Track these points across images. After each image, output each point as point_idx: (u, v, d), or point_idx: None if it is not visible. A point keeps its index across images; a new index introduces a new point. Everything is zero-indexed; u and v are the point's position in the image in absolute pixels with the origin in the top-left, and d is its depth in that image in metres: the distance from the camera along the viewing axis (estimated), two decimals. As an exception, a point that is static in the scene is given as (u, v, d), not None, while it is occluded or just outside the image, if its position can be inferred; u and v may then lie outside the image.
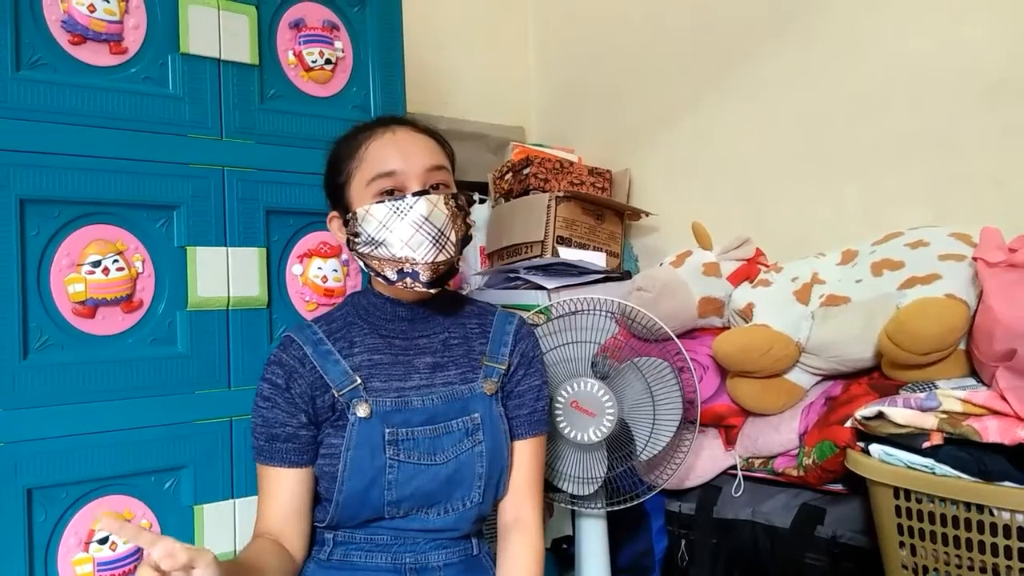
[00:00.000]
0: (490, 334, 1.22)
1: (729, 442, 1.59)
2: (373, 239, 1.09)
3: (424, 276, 1.09)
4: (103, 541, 1.20)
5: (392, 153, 1.11)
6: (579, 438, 1.43)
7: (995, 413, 1.13)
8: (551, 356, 1.47)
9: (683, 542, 1.62)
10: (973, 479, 1.11)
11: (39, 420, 1.16)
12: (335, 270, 1.44)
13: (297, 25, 1.43)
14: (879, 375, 1.39)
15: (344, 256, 1.46)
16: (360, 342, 1.15)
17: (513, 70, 2.58)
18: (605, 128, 2.34)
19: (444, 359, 1.18)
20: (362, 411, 1.10)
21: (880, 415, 1.20)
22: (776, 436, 1.50)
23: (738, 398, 1.52)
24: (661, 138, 2.17)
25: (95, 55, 1.24)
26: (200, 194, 1.30)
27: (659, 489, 1.51)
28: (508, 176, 2.13)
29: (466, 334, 1.21)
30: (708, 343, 1.58)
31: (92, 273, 1.21)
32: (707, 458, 1.60)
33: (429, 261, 1.08)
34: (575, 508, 1.56)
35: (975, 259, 1.25)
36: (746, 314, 1.54)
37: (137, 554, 1.23)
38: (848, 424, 1.30)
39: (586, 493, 1.48)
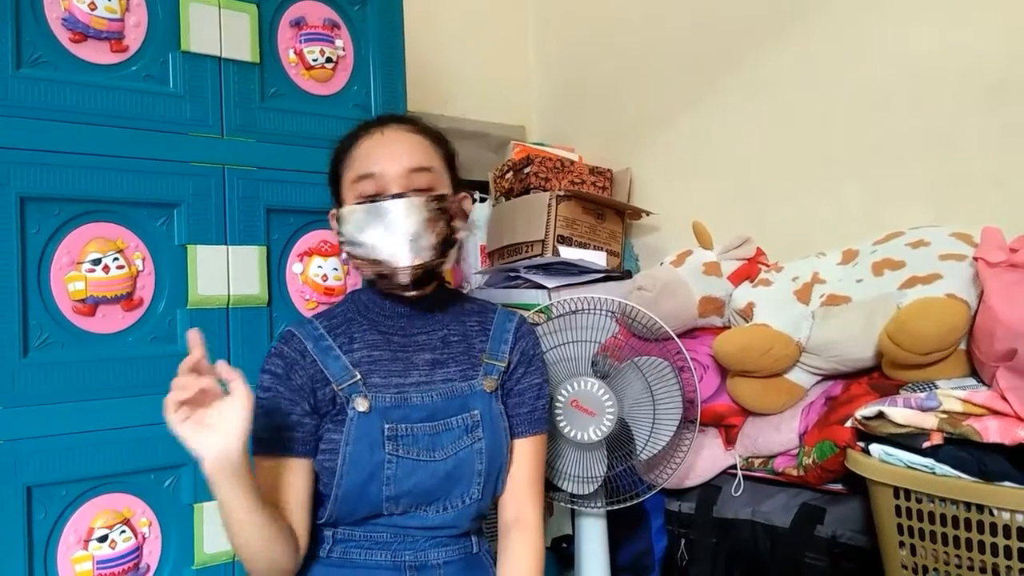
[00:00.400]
0: (490, 332, 1.22)
1: (729, 441, 1.59)
2: (353, 240, 1.10)
3: (401, 279, 1.08)
4: (102, 539, 1.20)
5: (375, 155, 1.11)
6: (579, 437, 1.43)
7: (995, 413, 1.13)
8: (551, 355, 1.47)
9: (683, 541, 1.62)
10: (973, 479, 1.11)
11: (39, 418, 1.16)
12: (335, 269, 1.44)
13: (298, 23, 1.43)
14: (879, 375, 1.39)
15: (344, 255, 1.46)
16: (360, 338, 1.15)
17: (514, 69, 2.58)
18: (606, 127, 2.34)
19: (444, 356, 1.18)
20: (361, 406, 1.10)
21: (880, 415, 1.20)
22: (776, 436, 1.50)
23: (738, 398, 1.52)
24: (662, 137, 2.17)
25: (96, 53, 1.23)
26: (200, 192, 1.30)
27: (659, 488, 1.51)
28: (509, 175, 2.13)
29: (466, 332, 1.21)
30: (708, 342, 1.58)
31: (92, 271, 1.21)
32: (707, 457, 1.60)
33: (403, 265, 1.07)
34: (575, 507, 1.56)
35: (976, 259, 1.25)
36: (746, 314, 1.54)
37: (136, 552, 1.23)
38: (848, 424, 1.30)
39: (586, 492, 1.48)
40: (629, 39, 2.28)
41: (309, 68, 1.44)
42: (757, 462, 1.54)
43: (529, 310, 1.62)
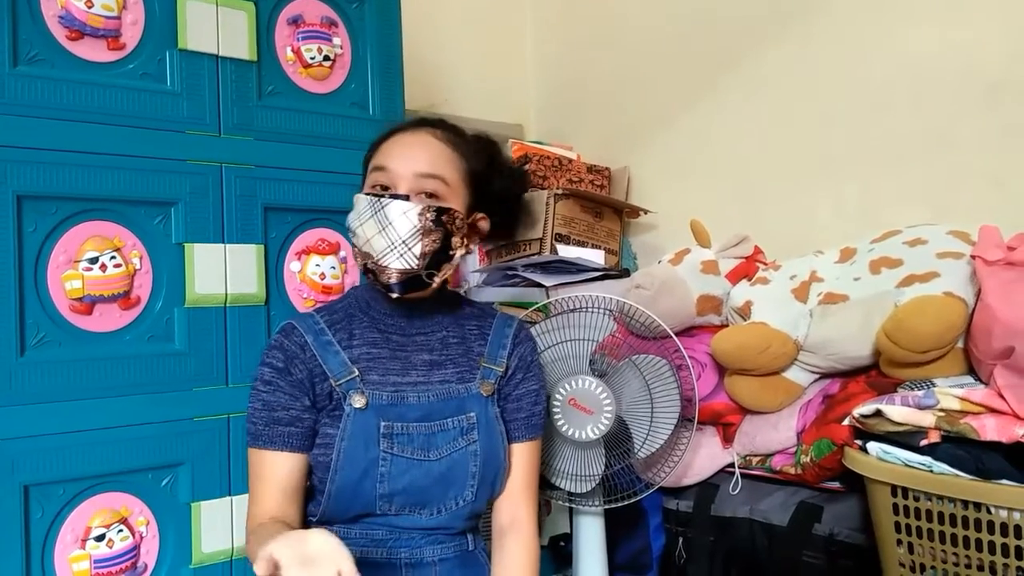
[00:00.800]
0: (489, 336, 1.22)
1: (727, 440, 1.59)
2: (351, 228, 1.11)
3: (384, 278, 1.08)
4: (100, 538, 1.20)
5: (395, 151, 1.13)
6: (577, 435, 1.43)
7: (993, 411, 1.13)
8: (549, 354, 1.47)
9: (681, 540, 1.62)
10: (971, 477, 1.11)
11: (36, 417, 1.15)
12: (333, 267, 1.44)
13: (296, 21, 1.43)
14: (877, 373, 1.39)
15: (342, 253, 1.46)
16: (360, 335, 1.16)
17: (512, 67, 2.58)
18: (604, 126, 2.34)
19: (441, 357, 1.18)
20: (358, 402, 1.10)
21: (878, 413, 1.20)
22: (774, 434, 1.50)
23: (736, 396, 1.52)
24: (660, 136, 2.17)
25: (93, 51, 1.23)
26: (198, 191, 1.30)
27: (657, 487, 1.51)
28: (506, 174, 2.12)
29: (464, 335, 1.21)
30: (706, 341, 1.58)
31: (89, 270, 1.21)
32: (705, 456, 1.60)
33: (386, 264, 1.07)
34: (573, 506, 1.56)
35: (973, 257, 1.25)
36: (744, 312, 1.54)
37: (133, 552, 1.22)
38: (846, 422, 1.30)
39: (584, 491, 1.48)
40: (627, 38, 2.27)
41: (307, 66, 1.43)
42: (755, 460, 1.55)
43: (527, 308, 1.62)
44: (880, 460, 1.21)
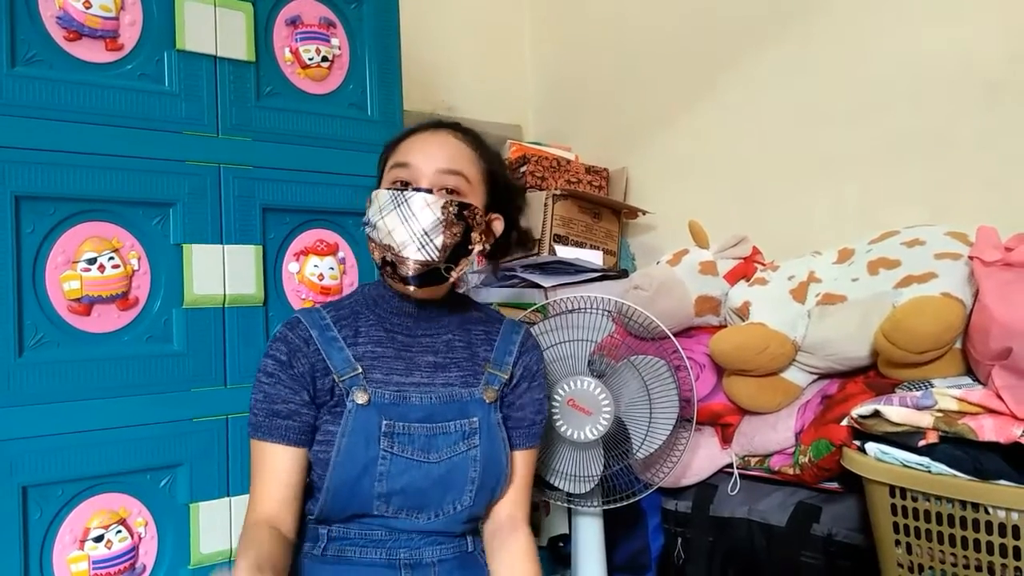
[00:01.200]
0: (495, 342, 1.22)
1: (725, 440, 1.59)
2: (371, 222, 1.12)
3: (404, 270, 1.09)
4: (98, 539, 1.19)
5: (416, 148, 1.14)
6: (575, 436, 1.43)
7: (991, 412, 1.13)
8: (548, 354, 1.47)
9: (679, 540, 1.63)
10: (969, 477, 1.11)
11: (34, 418, 1.15)
12: (331, 268, 1.44)
13: (294, 22, 1.43)
14: (875, 374, 1.39)
15: (341, 254, 1.46)
16: (365, 332, 1.16)
17: (510, 68, 2.58)
18: (602, 126, 2.34)
19: (446, 360, 1.18)
20: (360, 398, 1.10)
21: (876, 413, 1.21)
22: (772, 434, 1.50)
23: (734, 396, 1.52)
24: (658, 137, 2.17)
25: (91, 52, 1.23)
26: (196, 191, 1.30)
27: (655, 487, 1.51)
28: (505, 174, 2.12)
29: (470, 339, 1.21)
30: (705, 341, 1.58)
31: (88, 270, 1.21)
32: (703, 456, 1.60)
33: (406, 256, 1.08)
34: (571, 506, 1.56)
35: (971, 258, 1.25)
36: (743, 313, 1.54)
37: (132, 553, 1.22)
38: (844, 422, 1.30)
39: (582, 491, 1.48)
40: (626, 38, 2.28)
41: (305, 67, 1.43)
42: (753, 461, 1.55)
43: (525, 309, 1.62)
44: (878, 460, 1.21)
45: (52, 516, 1.17)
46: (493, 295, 1.91)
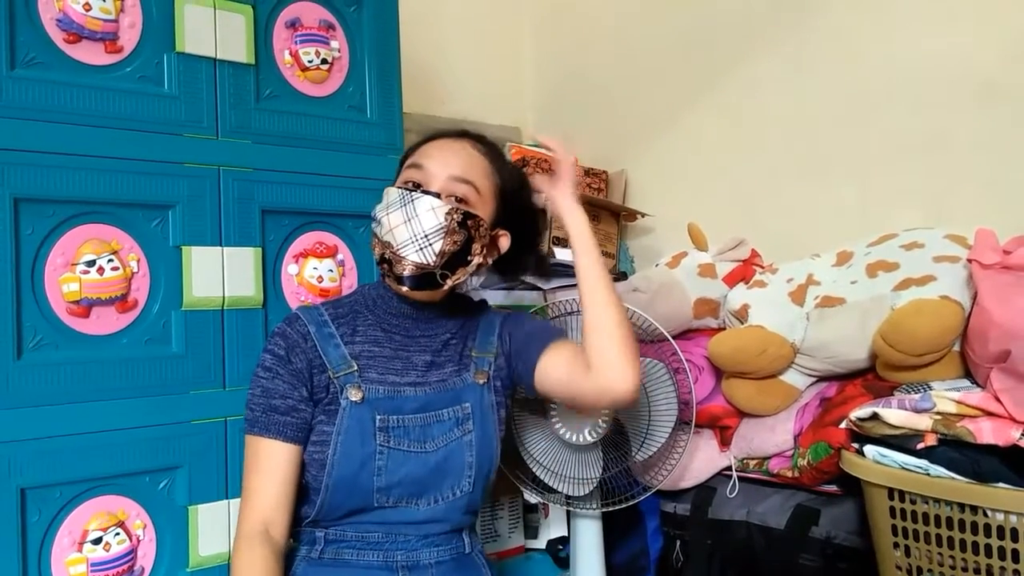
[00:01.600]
0: (479, 329, 1.24)
1: (724, 443, 1.59)
2: (376, 217, 1.14)
3: (398, 269, 1.09)
4: (97, 541, 1.19)
5: (432, 152, 1.16)
6: (574, 439, 1.43)
7: (989, 414, 1.14)
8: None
9: (678, 543, 1.63)
10: (967, 480, 1.11)
11: (33, 420, 1.15)
12: (331, 270, 1.44)
13: (293, 25, 1.43)
14: (874, 376, 1.39)
15: (340, 256, 1.46)
16: (363, 331, 1.17)
17: (510, 70, 2.58)
18: (601, 129, 2.34)
19: (441, 358, 1.19)
20: (355, 395, 1.11)
21: (875, 416, 1.21)
22: (771, 437, 1.51)
23: (733, 399, 1.52)
24: (657, 139, 2.17)
25: (90, 54, 1.23)
26: (196, 194, 1.30)
27: (654, 490, 1.51)
28: (504, 176, 2.12)
29: (465, 335, 1.23)
30: (703, 344, 1.58)
31: (87, 273, 1.20)
32: (702, 459, 1.60)
33: (404, 256, 1.09)
34: (570, 509, 1.56)
35: (970, 261, 1.25)
36: (741, 315, 1.54)
37: (130, 555, 1.22)
38: (843, 425, 1.30)
39: (581, 494, 1.48)
40: (625, 41, 2.28)
41: (304, 69, 1.43)
42: (752, 463, 1.55)
43: (525, 311, 1.62)
44: (877, 463, 1.21)
45: (51, 518, 1.17)
46: (492, 297, 1.91)
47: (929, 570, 1.16)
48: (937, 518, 1.14)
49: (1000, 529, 1.08)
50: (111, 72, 1.25)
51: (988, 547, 1.09)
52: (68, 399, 1.18)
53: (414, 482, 1.12)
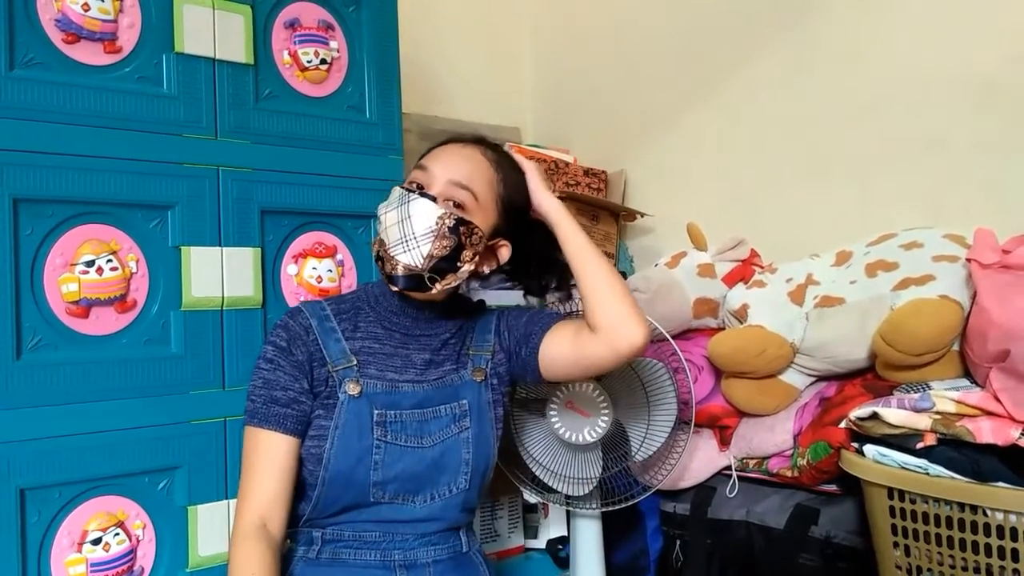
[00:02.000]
0: (475, 328, 1.24)
1: (724, 443, 1.59)
2: (378, 213, 1.15)
3: (388, 267, 1.10)
4: (96, 542, 1.19)
5: (441, 155, 1.16)
6: (574, 439, 1.43)
7: (989, 414, 1.14)
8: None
9: (678, 543, 1.63)
10: (967, 480, 1.11)
11: (32, 420, 1.15)
12: (330, 270, 1.44)
13: (292, 25, 1.43)
14: (873, 376, 1.39)
15: (339, 256, 1.46)
16: (364, 328, 1.18)
17: (509, 71, 2.58)
18: (601, 129, 2.34)
19: (440, 357, 1.19)
20: (353, 390, 1.11)
21: (874, 416, 1.21)
22: (771, 437, 1.51)
23: (733, 399, 1.52)
24: (657, 139, 2.17)
25: (89, 54, 1.23)
26: (195, 194, 1.30)
27: (654, 490, 1.51)
28: (503, 177, 2.12)
29: (464, 335, 1.23)
30: (703, 344, 1.58)
31: (86, 273, 1.20)
32: (702, 459, 1.60)
33: (393, 255, 1.10)
34: (570, 508, 1.56)
35: (969, 260, 1.25)
36: (741, 315, 1.54)
37: (130, 555, 1.22)
38: (842, 425, 1.30)
39: (581, 494, 1.48)
40: (624, 41, 2.28)
41: (303, 69, 1.43)
42: (751, 463, 1.55)
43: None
44: (876, 463, 1.21)
45: (50, 519, 1.17)
46: (491, 298, 1.91)
47: (929, 569, 1.16)
48: (937, 517, 1.14)
49: (1000, 528, 1.08)
50: (110, 72, 1.25)
51: (988, 546, 1.09)
52: (67, 399, 1.18)
53: (410, 477, 1.12)
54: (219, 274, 1.31)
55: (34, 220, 1.17)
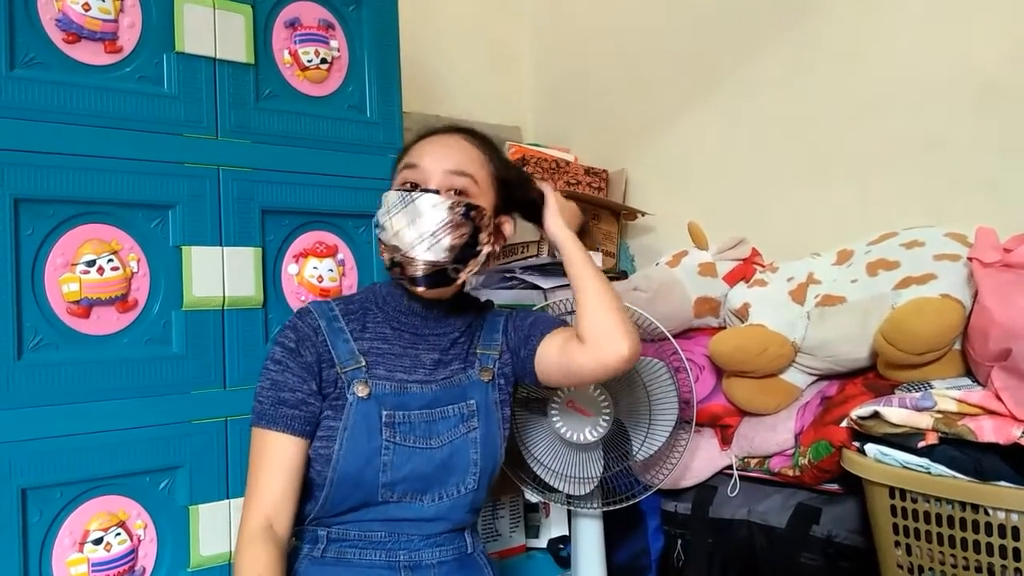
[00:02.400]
0: (484, 328, 1.24)
1: (725, 442, 1.59)
2: (381, 222, 1.13)
3: (411, 271, 1.10)
4: (98, 542, 1.19)
5: (426, 150, 1.16)
6: (575, 438, 1.43)
7: (990, 413, 1.14)
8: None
9: (679, 542, 1.63)
10: (968, 479, 1.11)
11: (34, 420, 1.15)
12: (331, 270, 1.44)
13: (293, 24, 1.43)
14: (875, 375, 1.39)
15: (340, 256, 1.46)
16: (372, 328, 1.17)
17: (509, 70, 2.58)
18: (601, 128, 2.34)
19: (448, 357, 1.19)
20: (361, 391, 1.11)
21: (876, 415, 1.21)
22: (772, 436, 1.50)
23: (734, 398, 1.52)
24: (657, 138, 2.17)
25: (90, 54, 1.23)
26: (195, 194, 1.30)
27: (655, 489, 1.51)
28: (504, 176, 2.12)
29: (472, 334, 1.23)
30: (704, 343, 1.58)
31: (87, 273, 1.20)
32: (703, 458, 1.60)
33: (416, 257, 1.09)
34: (571, 508, 1.56)
35: (970, 259, 1.25)
36: (742, 314, 1.54)
37: (131, 555, 1.22)
38: (844, 424, 1.30)
39: (582, 493, 1.48)
40: (625, 40, 2.28)
41: (304, 69, 1.43)
42: (753, 462, 1.55)
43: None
44: (878, 462, 1.21)
45: (51, 519, 1.17)
46: (492, 297, 1.91)
47: (930, 568, 1.16)
48: (938, 516, 1.14)
49: (1001, 527, 1.08)
50: (110, 72, 1.25)
51: (989, 545, 1.09)
52: (68, 399, 1.18)
53: (419, 478, 1.12)
54: (220, 274, 1.31)
55: (35, 220, 1.17)
